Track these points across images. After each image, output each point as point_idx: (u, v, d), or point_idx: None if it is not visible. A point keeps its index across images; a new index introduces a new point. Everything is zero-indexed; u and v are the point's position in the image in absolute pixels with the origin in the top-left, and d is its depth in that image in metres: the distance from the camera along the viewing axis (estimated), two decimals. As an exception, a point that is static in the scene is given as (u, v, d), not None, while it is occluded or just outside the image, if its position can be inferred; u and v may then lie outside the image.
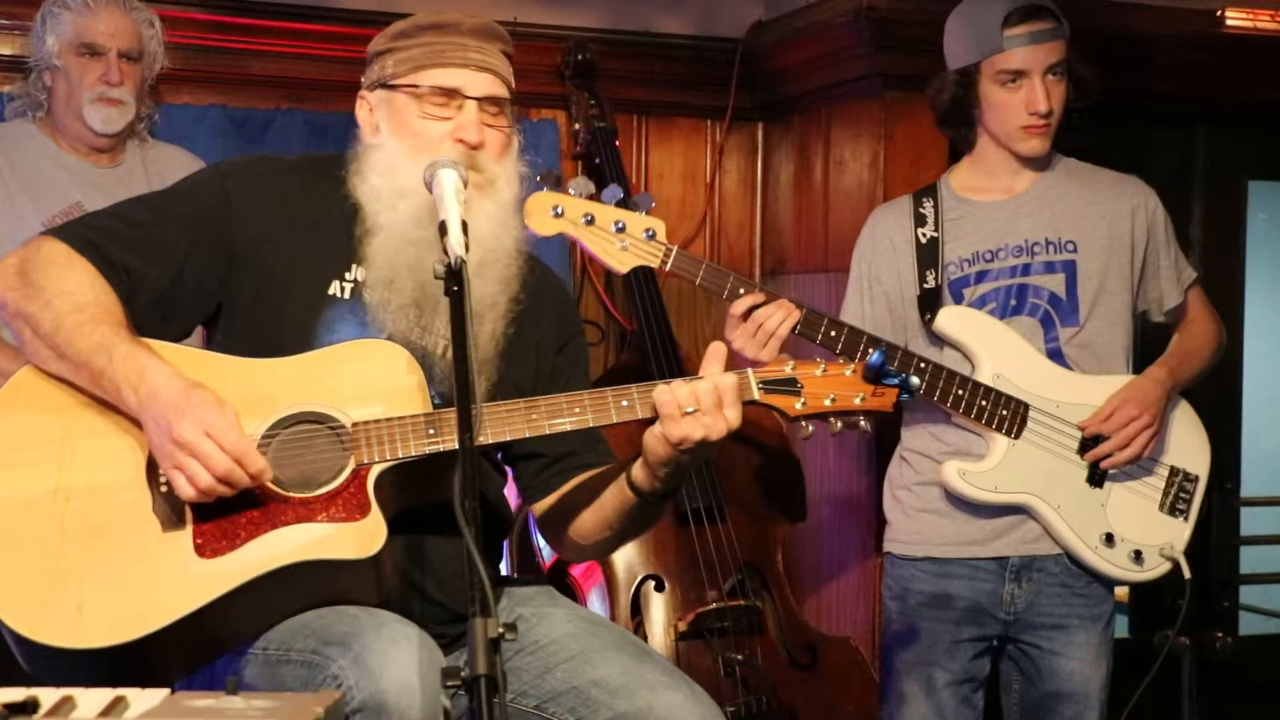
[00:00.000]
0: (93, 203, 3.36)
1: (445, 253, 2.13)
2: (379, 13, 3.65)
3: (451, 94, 2.40)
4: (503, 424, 2.31)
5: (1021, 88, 3.17)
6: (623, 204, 2.83)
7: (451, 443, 2.24)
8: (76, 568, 2.16)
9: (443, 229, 2.17)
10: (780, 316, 2.96)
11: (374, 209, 2.40)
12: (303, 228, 2.42)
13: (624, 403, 2.34)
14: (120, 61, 3.42)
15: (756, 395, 2.37)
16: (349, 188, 2.43)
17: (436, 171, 2.27)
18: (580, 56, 4.08)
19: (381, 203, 2.40)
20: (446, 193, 2.23)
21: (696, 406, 2.28)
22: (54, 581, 2.15)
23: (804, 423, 2.41)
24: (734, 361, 2.44)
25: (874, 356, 2.36)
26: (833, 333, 3.03)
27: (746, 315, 2.96)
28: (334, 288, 2.41)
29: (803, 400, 2.38)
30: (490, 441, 2.33)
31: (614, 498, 2.43)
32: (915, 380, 2.40)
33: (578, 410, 2.33)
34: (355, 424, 2.27)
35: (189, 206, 2.41)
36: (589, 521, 2.49)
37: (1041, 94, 3.16)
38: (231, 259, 2.39)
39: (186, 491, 2.16)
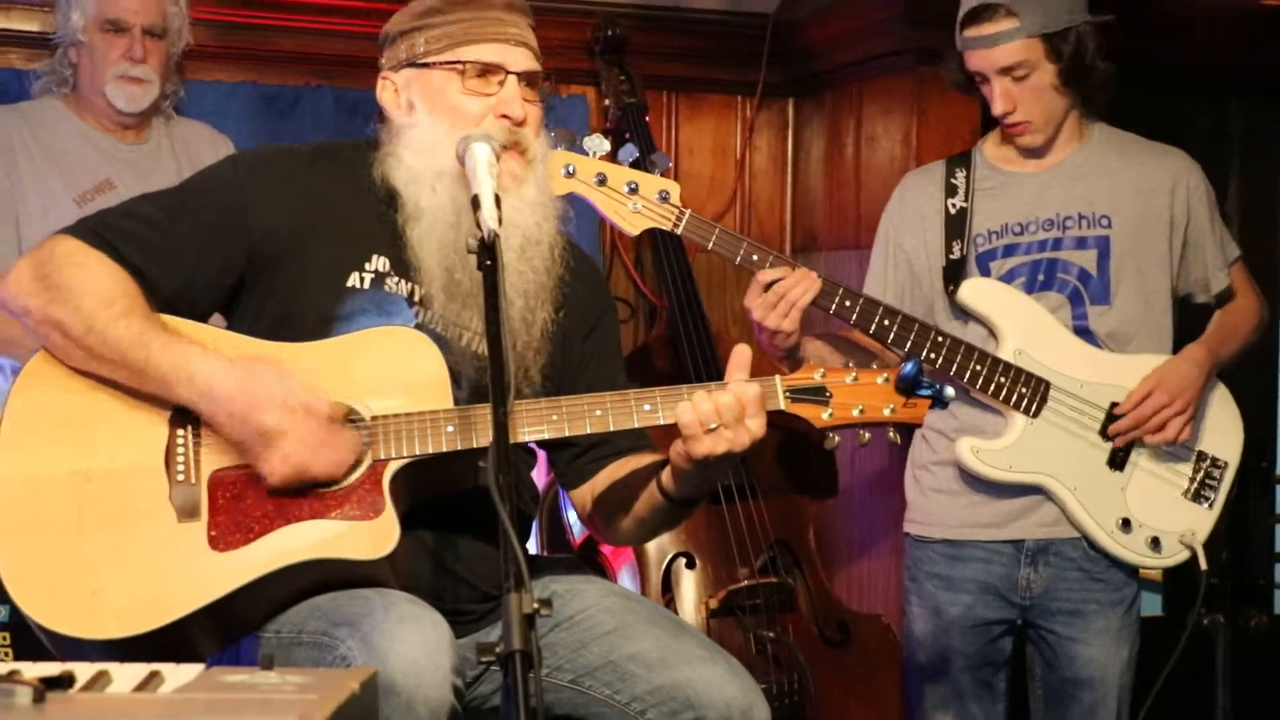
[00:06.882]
0: (122, 179, 3.37)
1: (478, 226, 2.12)
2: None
3: (494, 70, 2.37)
4: (522, 424, 2.27)
5: (985, 87, 3.11)
6: (638, 164, 2.77)
7: (470, 441, 2.23)
8: (94, 555, 2.16)
9: (475, 203, 2.15)
10: (803, 288, 2.89)
11: (413, 193, 2.35)
12: (322, 219, 2.37)
13: (646, 407, 2.29)
14: (144, 38, 3.40)
15: (783, 405, 2.31)
16: (380, 172, 2.38)
17: (470, 145, 2.26)
18: (610, 32, 4.06)
19: (420, 185, 2.35)
20: (480, 166, 2.21)
21: (719, 421, 2.22)
22: (71, 569, 2.15)
23: (830, 433, 2.34)
24: (759, 358, 2.36)
25: (908, 367, 2.28)
26: (847, 303, 2.97)
27: (769, 287, 2.89)
28: (353, 279, 2.37)
29: (830, 410, 2.32)
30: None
31: (645, 499, 2.41)
32: (950, 391, 2.31)
33: (598, 413, 2.28)
34: (374, 417, 2.25)
35: (204, 205, 2.36)
36: (621, 515, 2.47)
37: (999, 97, 3.08)
38: (250, 255, 2.35)
39: (282, 472, 2.18)
